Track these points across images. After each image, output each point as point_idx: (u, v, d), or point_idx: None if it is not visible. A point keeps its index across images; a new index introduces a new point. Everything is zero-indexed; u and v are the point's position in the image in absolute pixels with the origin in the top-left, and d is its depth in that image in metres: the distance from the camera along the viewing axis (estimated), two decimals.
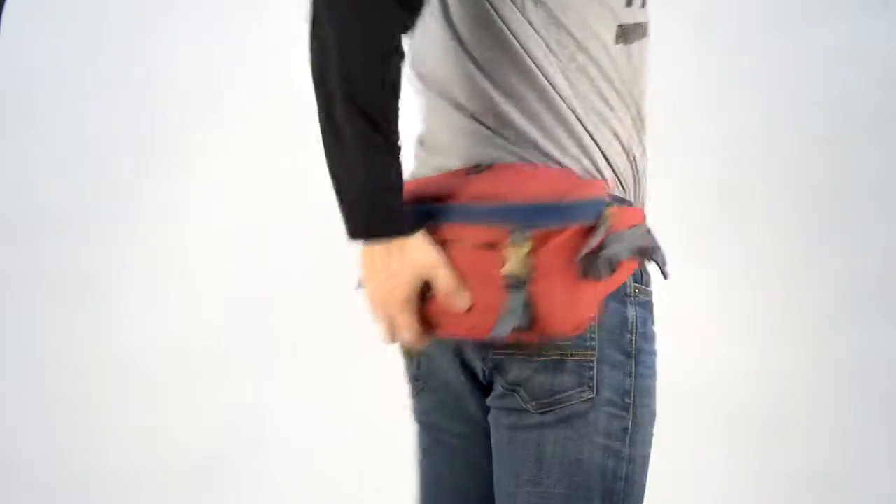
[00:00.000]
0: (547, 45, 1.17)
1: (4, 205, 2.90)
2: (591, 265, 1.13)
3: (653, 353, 1.25)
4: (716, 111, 3.00)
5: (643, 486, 1.27)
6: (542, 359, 1.16)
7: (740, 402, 2.61)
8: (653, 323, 1.24)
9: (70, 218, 2.88)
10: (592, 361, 1.17)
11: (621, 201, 1.20)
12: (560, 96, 1.17)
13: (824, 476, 2.39)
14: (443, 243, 1.12)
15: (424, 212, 1.14)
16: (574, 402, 1.16)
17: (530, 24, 1.17)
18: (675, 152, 3.46)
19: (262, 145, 2.84)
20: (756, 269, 2.94)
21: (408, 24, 1.10)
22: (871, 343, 2.75)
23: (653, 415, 1.25)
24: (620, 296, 1.20)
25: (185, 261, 2.90)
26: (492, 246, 1.11)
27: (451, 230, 1.12)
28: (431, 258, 1.12)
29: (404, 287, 1.13)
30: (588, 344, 1.16)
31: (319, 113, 1.11)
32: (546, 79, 1.17)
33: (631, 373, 1.21)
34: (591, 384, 1.17)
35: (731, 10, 2.99)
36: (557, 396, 1.16)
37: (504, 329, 1.09)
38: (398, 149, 1.11)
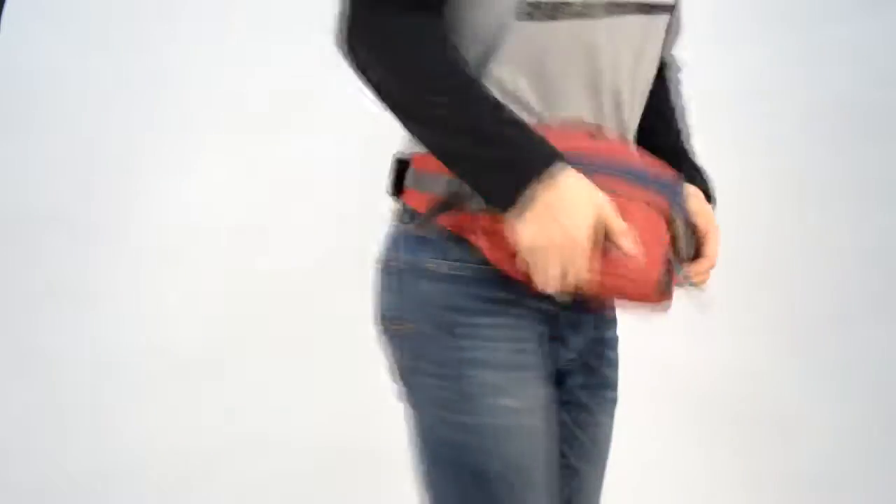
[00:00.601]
0: None
1: (4, 205, 2.90)
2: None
3: (477, 325, 1.24)
4: (715, 111, 3.00)
5: (507, 455, 1.27)
6: None
7: (740, 403, 2.61)
8: (481, 298, 1.24)
9: (70, 218, 2.88)
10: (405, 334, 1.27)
11: None
12: None
13: (823, 476, 2.39)
14: (612, 195, 1.15)
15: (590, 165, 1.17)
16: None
17: None
18: None
19: (263, 145, 2.84)
20: (755, 269, 2.94)
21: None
22: (871, 343, 2.76)
23: (476, 388, 1.24)
24: (417, 270, 1.26)
25: (184, 261, 2.90)
26: (662, 213, 1.19)
27: (624, 187, 1.17)
28: (601, 195, 1.14)
29: (585, 223, 1.13)
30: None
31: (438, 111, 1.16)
32: None
33: (452, 346, 1.24)
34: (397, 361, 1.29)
35: (730, 9, 2.99)
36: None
37: (705, 304, 1.24)
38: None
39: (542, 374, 1.27)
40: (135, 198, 2.91)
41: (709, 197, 1.35)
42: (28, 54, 2.91)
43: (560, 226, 1.12)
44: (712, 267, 1.28)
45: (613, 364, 1.39)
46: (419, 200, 1.25)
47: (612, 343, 1.39)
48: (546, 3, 1.18)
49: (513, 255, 1.18)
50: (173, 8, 2.89)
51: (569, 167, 1.13)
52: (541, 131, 1.16)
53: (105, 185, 2.90)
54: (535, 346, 1.26)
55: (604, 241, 1.14)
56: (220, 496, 2.40)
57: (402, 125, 1.20)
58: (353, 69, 1.20)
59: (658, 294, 1.19)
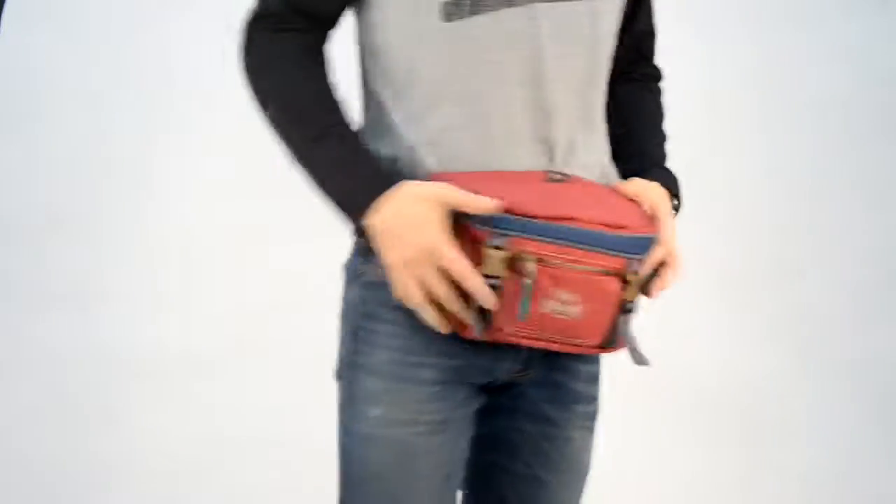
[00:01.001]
0: None
1: (5, 205, 2.90)
2: (650, 285, 1.23)
3: (374, 332, 1.27)
4: (715, 111, 3.01)
5: (361, 460, 1.31)
6: None
7: (740, 402, 2.61)
8: (385, 305, 1.26)
9: (70, 218, 2.88)
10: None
11: None
12: None
13: (823, 476, 2.39)
14: (544, 266, 1.13)
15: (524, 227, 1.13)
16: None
17: None
18: (674, 152, 3.45)
19: (264, 145, 2.84)
20: (755, 270, 2.94)
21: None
22: (871, 343, 2.76)
23: (362, 393, 1.29)
24: (352, 275, 1.31)
25: (184, 261, 2.90)
26: (614, 273, 1.15)
27: (561, 254, 1.13)
28: (438, 188, 1.14)
29: (430, 229, 1.13)
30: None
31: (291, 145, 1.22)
32: None
33: (352, 350, 1.30)
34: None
35: (730, 9, 2.99)
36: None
37: (644, 358, 1.20)
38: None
39: (438, 388, 1.26)
40: (135, 198, 2.91)
41: (675, 197, 1.32)
42: (28, 54, 2.91)
43: (404, 242, 1.14)
44: (663, 261, 1.24)
45: (590, 378, 1.35)
46: None
47: (587, 357, 1.34)
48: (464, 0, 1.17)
49: None
50: (173, 8, 2.89)
51: (402, 185, 1.15)
52: (477, 183, 1.16)
53: (106, 186, 2.90)
54: (435, 359, 1.24)
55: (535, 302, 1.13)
56: (220, 496, 2.40)
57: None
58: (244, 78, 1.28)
59: (607, 347, 1.21)
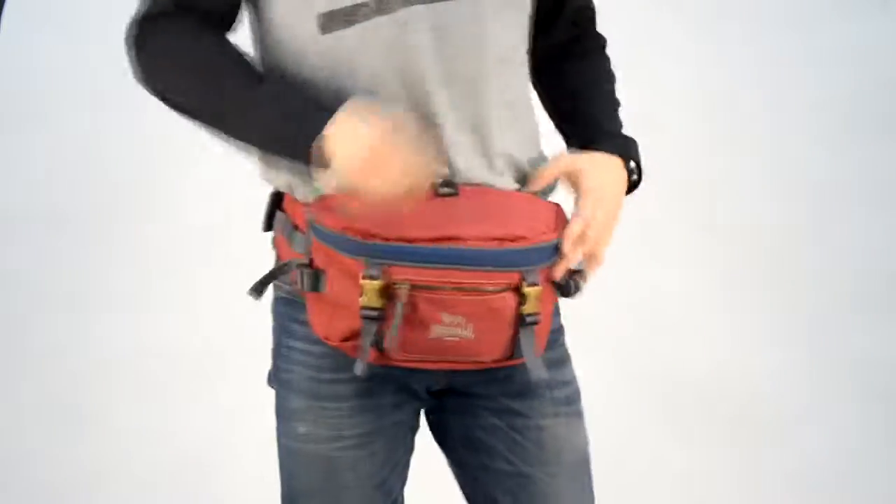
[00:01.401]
0: None
1: (5, 205, 2.91)
2: (571, 285, 1.19)
3: (290, 348, 1.27)
4: (716, 111, 3.01)
5: (291, 474, 1.32)
6: None
7: (740, 402, 2.61)
8: (297, 321, 1.25)
9: (70, 218, 2.88)
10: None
11: None
12: None
13: (824, 476, 2.39)
14: (427, 292, 1.09)
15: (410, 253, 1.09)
16: None
17: None
18: (675, 152, 3.45)
19: None
20: (756, 269, 2.94)
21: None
22: (871, 343, 2.75)
23: (287, 410, 1.28)
24: (274, 290, 1.29)
25: (184, 261, 2.90)
26: (506, 288, 1.11)
27: (445, 276, 1.09)
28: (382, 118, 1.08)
29: (386, 121, 1.06)
30: None
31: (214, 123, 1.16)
32: None
33: (276, 365, 1.29)
34: None
35: (731, 10, 2.99)
36: None
37: (543, 370, 1.16)
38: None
39: (357, 402, 1.24)
40: (135, 198, 2.91)
41: (628, 163, 1.26)
42: (28, 54, 2.91)
43: (364, 134, 1.06)
44: (584, 236, 1.18)
45: (549, 363, 1.26)
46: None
47: (549, 343, 1.26)
48: (340, 10, 1.13)
49: (333, 321, 1.17)
50: None
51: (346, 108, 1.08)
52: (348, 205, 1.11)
53: (105, 186, 2.90)
54: (348, 374, 1.21)
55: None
56: (220, 496, 2.40)
57: (199, 124, 1.20)
58: (150, 91, 1.23)
59: (512, 359, 1.17)
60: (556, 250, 1.15)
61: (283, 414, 1.29)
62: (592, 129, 1.28)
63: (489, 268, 1.09)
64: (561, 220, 1.17)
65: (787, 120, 3.12)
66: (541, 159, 1.27)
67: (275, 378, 1.31)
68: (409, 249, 1.08)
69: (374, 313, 1.10)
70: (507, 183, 1.21)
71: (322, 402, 1.25)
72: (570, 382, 1.32)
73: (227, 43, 1.18)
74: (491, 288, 1.09)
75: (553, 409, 1.28)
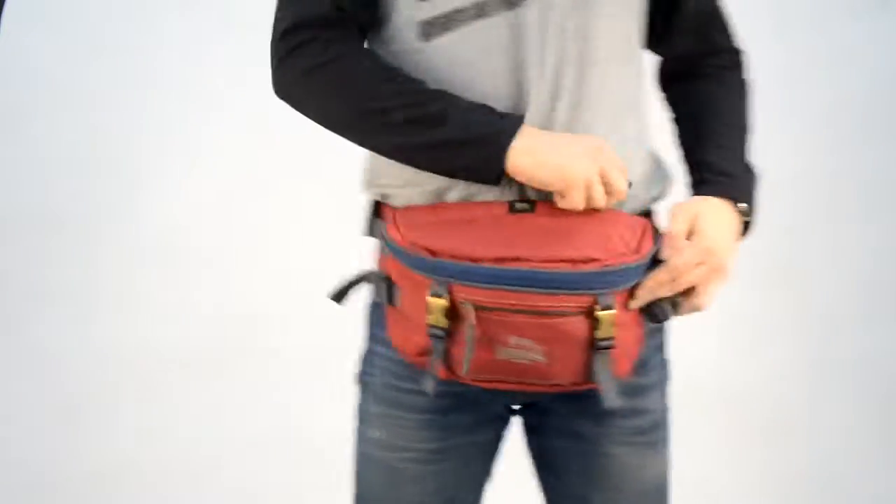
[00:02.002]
0: None
1: (4, 205, 2.90)
2: (659, 310, 1.16)
3: (374, 353, 1.28)
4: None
5: (360, 478, 1.32)
6: None
7: (740, 402, 2.61)
8: (377, 324, 1.26)
9: (68, 218, 2.88)
10: None
11: None
12: None
13: (824, 476, 2.39)
14: (500, 314, 1.07)
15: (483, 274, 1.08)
16: None
17: None
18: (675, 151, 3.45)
19: (264, 146, 2.84)
20: (756, 270, 2.94)
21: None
22: (872, 343, 2.75)
23: (365, 414, 1.29)
24: (371, 297, 1.28)
25: (184, 261, 2.90)
26: (577, 312, 1.08)
27: (514, 299, 1.07)
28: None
29: (584, 140, 1.09)
30: None
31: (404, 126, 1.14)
32: None
33: (361, 369, 1.30)
34: None
35: (730, 10, 2.99)
36: None
37: (616, 399, 1.12)
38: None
39: (429, 417, 1.24)
40: (134, 198, 2.91)
41: (742, 200, 1.22)
42: (28, 54, 2.91)
43: (569, 147, 1.08)
44: (672, 283, 1.14)
45: (630, 390, 1.23)
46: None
47: (635, 369, 1.22)
48: (439, 16, 1.14)
49: (406, 334, 1.16)
50: (173, 8, 2.89)
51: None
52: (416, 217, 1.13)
53: (105, 185, 2.90)
54: (414, 384, 1.20)
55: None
56: (220, 496, 2.40)
57: (364, 146, 1.20)
58: (298, 110, 1.22)
59: (580, 384, 1.15)
60: (636, 273, 1.11)
61: (361, 416, 1.30)
62: (705, 169, 1.24)
63: (557, 290, 1.06)
64: (647, 240, 1.13)
65: (784, 119, 3.12)
66: (648, 174, 1.23)
67: (358, 380, 1.31)
68: (473, 269, 1.07)
69: (441, 332, 1.09)
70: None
71: (397, 410, 1.25)
72: (650, 412, 1.28)
73: (383, 60, 1.17)
74: (559, 311, 1.07)
75: (622, 437, 1.26)
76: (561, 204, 1.10)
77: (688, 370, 2.71)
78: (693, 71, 1.31)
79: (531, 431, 1.33)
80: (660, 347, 1.31)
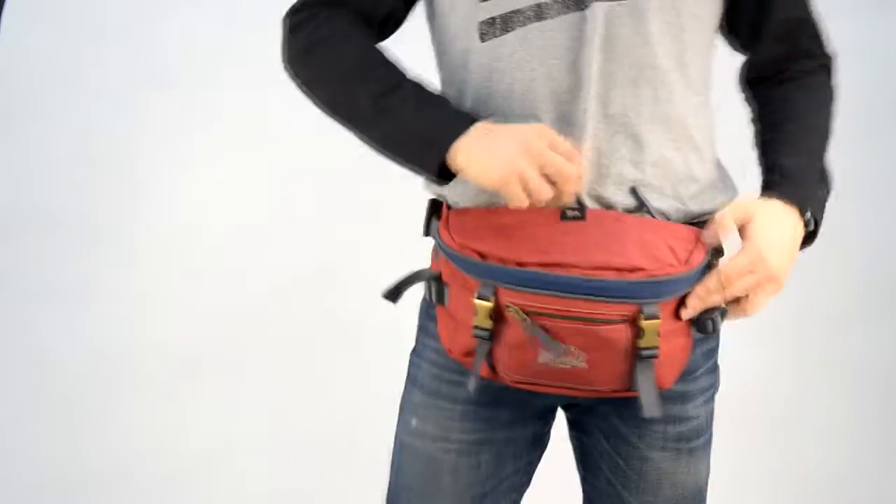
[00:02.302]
0: None
1: (4, 205, 2.90)
2: (708, 322, 1.15)
3: (424, 345, 1.30)
4: (715, 110, 3.00)
5: (398, 467, 1.33)
6: None
7: (741, 402, 2.61)
8: (429, 319, 1.27)
9: (68, 217, 2.88)
10: None
11: None
12: None
13: (825, 476, 2.39)
14: (538, 318, 1.08)
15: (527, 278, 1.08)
16: None
17: None
18: None
19: (264, 145, 2.84)
20: None
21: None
22: (872, 343, 2.75)
23: (408, 404, 1.31)
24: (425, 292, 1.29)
25: (184, 261, 2.89)
26: (621, 320, 1.08)
27: (558, 304, 1.07)
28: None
29: (525, 130, 1.08)
30: None
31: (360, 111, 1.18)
32: None
33: (411, 360, 1.33)
34: None
35: None
36: None
37: (656, 409, 1.11)
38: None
39: (472, 408, 1.25)
40: (135, 198, 2.91)
41: (804, 214, 1.21)
42: (28, 54, 2.91)
43: (500, 141, 1.08)
44: (723, 290, 1.13)
45: (675, 396, 1.23)
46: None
47: (682, 376, 1.21)
48: (498, 17, 1.14)
49: (453, 334, 1.18)
50: (173, 7, 2.89)
51: (484, 122, 1.12)
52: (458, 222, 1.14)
53: (105, 185, 2.90)
54: (459, 377, 1.22)
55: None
56: (220, 496, 2.40)
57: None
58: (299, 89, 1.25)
59: (620, 392, 1.15)
60: (684, 284, 1.11)
61: (404, 407, 1.32)
62: (775, 171, 1.23)
63: (601, 298, 1.06)
64: (699, 252, 1.12)
65: None
66: (712, 182, 1.22)
67: (408, 373, 1.33)
68: (518, 273, 1.08)
69: (485, 333, 1.10)
70: (652, 203, 1.16)
71: (438, 400, 1.26)
72: (692, 419, 1.27)
73: (371, 45, 1.20)
74: (603, 319, 1.07)
75: (662, 443, 1.26)
76: (510, 204, 1.10)
77: None
78: (778, 75, 1.30)
79: (573, 427, 1.35)
80: (709, 354, 1.30)
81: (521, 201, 1.07)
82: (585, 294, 1.06)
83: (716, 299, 1.14)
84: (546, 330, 1.08)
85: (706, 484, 1.34)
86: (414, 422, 1.28)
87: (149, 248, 2.89)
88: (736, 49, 1.33)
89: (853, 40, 3.20)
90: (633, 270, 1.08)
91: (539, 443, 1.34)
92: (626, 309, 1.07)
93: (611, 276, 1.07)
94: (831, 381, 2.67)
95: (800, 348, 2.75)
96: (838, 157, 3.42)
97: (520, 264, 1.08)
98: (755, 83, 1.33)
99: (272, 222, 2.92)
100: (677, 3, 1.16)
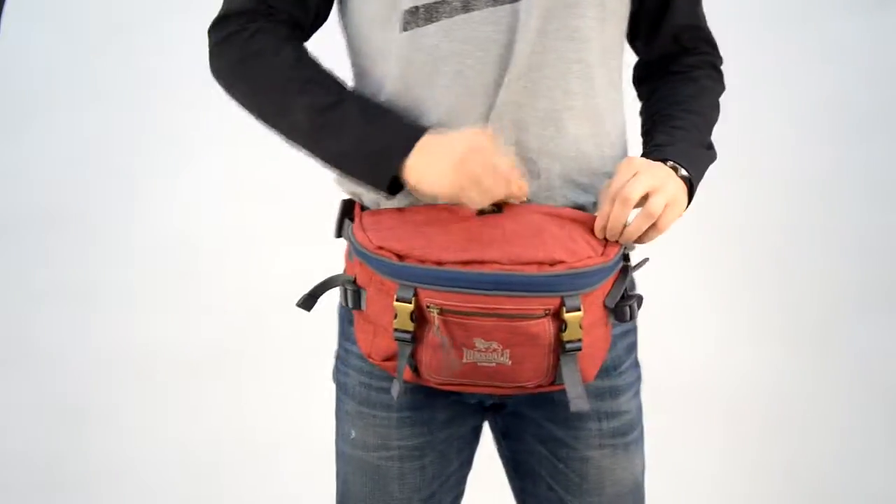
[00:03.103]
0: None
1: (4, 205, 2.91)
2: (626, 309, 1.15)
3: (347, 351, 1.28)
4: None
5: (343, 478, 1.32)
6: None
7: (740, 402, 2.61)
8: (349, 323, 1.26)
9: (68, 217, 2.88)
10: None
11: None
12: None
13: (824, 476, 2.39)
14: (461, 319, 1.06)
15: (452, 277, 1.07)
16: None
17: None
18: None
19: (264, 146, 2.84)
20: (756, 269, 2.94)
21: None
22: (871, 343, 2.76)
23: (342, 413, 1.29)
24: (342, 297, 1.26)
25: (184, 261, 2.90)
26: (543, 314, 1.07)
27: (480, 302, 1.05)
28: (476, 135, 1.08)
29: (467, 137, 1.07)
30: None
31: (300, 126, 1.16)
32: None
33: (336, 367, 1.31)
34: None
35: (730, 9, 2.99)
36: None
37: (583, 402, 1.10)
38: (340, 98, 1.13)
39: (407, 414, 1.23)
40: (135, 198, 2.91)
41: (682, 166, 1.17)
42: (28, 54, 2.92)
43: (447, 150, 1.06)
44: (620, 195, 1.09)
45: (600, 392, 1.23)
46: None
47: (601, 372, 1.22)
48: (422, 7, 1.12)
49: (372, 339, 1.16)
50: (173, 8, 2.90)
51: (432, 132, 1.09)
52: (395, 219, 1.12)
53: (105, 185, 2.91)
54: (387, 383, 1.20)
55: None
56: (220, 496, 2.41)
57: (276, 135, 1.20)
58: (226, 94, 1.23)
59: (545, 386, 1.14)
60: (603, 275, 1.09)
61: (339, 416, 1.30)
62: (652, 150, 1.21)
63: (523, 293, 1.05)
64: (613, 245, 1.11)
65: (781, 118, 3.12)
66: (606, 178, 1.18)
67: (335, 379, 1.30)
68: (438, 273, 1.06)
69: (407, 336, 1.08)
70: (563, 195, 1.16)
71: (372, 409, 1.24)
72: (624, 413, 1.26)
73: (305, 57, 1.16)
74: (526, 314, 1.05)
75: (599, 440, 1.25)
76: (471, 207, 1.10)
77: (685, 369, 2.72)
78: (667, 68, 1.31)
79: (504, 437, 1.32)
80: (630, 348, 1.30)
81: (479, 203, 1.07)
82: (507, 290, 1.05)
83: (642, 223, 1.11)
84: (468, 328, 1.06)
85: (643, 477, 1.34)
86: (353, 433, 1.26)
87: (148, 248, 2.89)
88: (633, 47, 1.33)
89: (853, 40, 3.21)
90: (553, 263, 1.06)
91: (478, 432, 1.33)
92: (548, 303, 1.06)
93: (532, 269, 1.05)
94: (828, 380, 2.67)
95: (796, 348, 2.75)
96: (836, 155, 3.44)
97: (439, 263, 1.06)
98: (646, 79, 1.33)
99: (272, 222, 2.93)
100: None
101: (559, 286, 1.06)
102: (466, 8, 1.12)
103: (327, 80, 1.15)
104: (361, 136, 1.10)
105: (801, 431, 2.53)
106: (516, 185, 1.08)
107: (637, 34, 1.29)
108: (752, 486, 2.39)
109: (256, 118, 1.20)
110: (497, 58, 1.12)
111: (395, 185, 1.11)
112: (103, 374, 2.67)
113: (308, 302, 1.24)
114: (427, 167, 1.07)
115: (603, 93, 1.18)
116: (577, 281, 1.07)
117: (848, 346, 2.74)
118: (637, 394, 1.30)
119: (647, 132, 1.25)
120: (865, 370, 2.69)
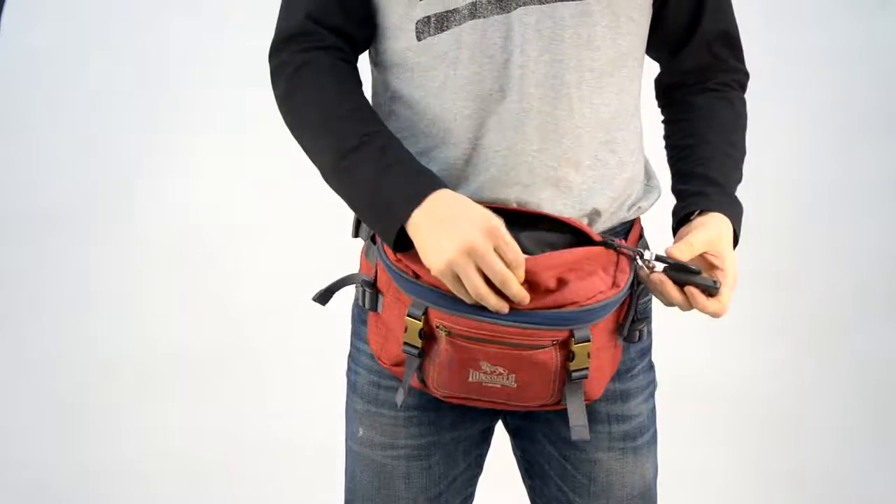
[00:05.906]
0: None
1: (5, 205, 2.91)
2: (636, 333, 1.19)
3: (359, 350, 1.28)
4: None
5: (350, 475, 1.34)
6: None
7: (740, 402, 2.61)
8: (361, 323, 1.26)
9: (68, 217, 2.88)
10: None
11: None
12: None
13: (823, 476, 2.39)
14: (474, 345, 1.07)
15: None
16: None
17: None
18: None
19: (263, 145, 2.84)
20: (756, 270, 2.94)
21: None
22: (871, 343, 2.76)
23: (352, 411, 1.30)
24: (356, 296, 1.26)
25: (184, 261, 2.90)
26: (550, 345, 1.07)
27: (482, 328, 1.06)
28: (485, 211, 1.07)
29: (475, 226, 1.05)
30: None
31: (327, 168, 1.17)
32: None
33: (348, 366, 1.32)
34: None
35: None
36: None
37: (584, 432, 1.12)
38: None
39: (414, 413, 1.24)
40: (135, 198, 2.91)
41: (737, 224, 1.26)
42: (28, 54, 2.92)
43: (450, 239, 1.05)
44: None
45: (613, 396, 1.25)
46: None
47: (619, 375, 1.24)
48: (433, 16, 1.13)
49: (384, 343, 1.17)
50: (173, 8, 2.90)
51: (443, 191, 1.09)
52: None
53: (105, 185, 2.90)
54: (397, 383, 1.21)
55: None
56: (221, 496, 2.40)
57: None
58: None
59: (550, 406, 1.15)
60: (614, 305, 1.11)
61: (349, 414, 1.31)
62: (708, 183, 1.24)
63: (532, 326, 1.06)
64: (623, 272, 1.12)
65: (781, 118, 3.12)
66: (631, 194, 1.21)
67: (347, 378, 1.32)
68: (449, 297, 1.07)
69: (415, 351, 1.10)
70: (581, 202, 1.16)
71: (380, 408, 1.25)
72: (634, 417, 1.27)
73: (345, 90, 1.17)
74: (534, 344, 1.06)
75: (608, 443, 1.26)
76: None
77: (684, 370, 2.72)
78: (700, 83, 1.29)
79: (516, 436, 1.33)
80: (643, 353, 1.31)
81: (463, 296, 1.07)
82: (516, 321, 1.06)
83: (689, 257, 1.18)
84: (475, 351, 1.08)
85: (655, 482, 1.34)
86: (360, 431, 1.28)
87: (148, 249, 2.89)
88: (658, 54, 1.31)
89: (853, 40, 3.21)
90: (566, 304, 1.07)
91: (488, 434, 1.33)
92: (557, 335, 1.07)
93: (544, 307, 1.06)
94: (826, 382, 2.67)
95: (795, 349, 2.75)
96: (838, 157, 3.44)
97: (444, 287, 1.07)
98: (674, 88, 1.31)
99: (272, 222, 2.93)
100: (615, 6, 1.15)
101: (570, 321, 1.07)
102: (474, 15, 1.12)
103: (357, 115, 1.15)
104: (372, 188, 1.11)
105: (802, 434, 2.53)
106: (514, 291, 1.06)
107: (664, 39, 1.26)
108: (753, 487, 2.39)
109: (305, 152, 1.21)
110: (501, 64, 1.12)
111: (403, 240, 1.10)
112: (103, 374, 2.67)
113: (324, 297, 1.24)
114: (428, 235, 1.07)
115: (617, 100, 1.17)
116: (588, 315, 1.08)
117: (851, 350, 2.74)
118: (649, 397, 1.31)
119: (687, 156, 1.26)
120: (869, 374, 2.69)
